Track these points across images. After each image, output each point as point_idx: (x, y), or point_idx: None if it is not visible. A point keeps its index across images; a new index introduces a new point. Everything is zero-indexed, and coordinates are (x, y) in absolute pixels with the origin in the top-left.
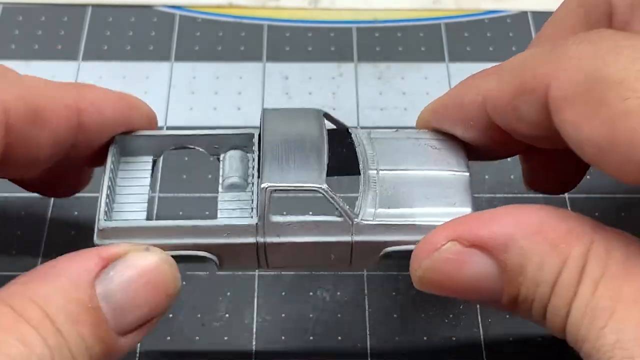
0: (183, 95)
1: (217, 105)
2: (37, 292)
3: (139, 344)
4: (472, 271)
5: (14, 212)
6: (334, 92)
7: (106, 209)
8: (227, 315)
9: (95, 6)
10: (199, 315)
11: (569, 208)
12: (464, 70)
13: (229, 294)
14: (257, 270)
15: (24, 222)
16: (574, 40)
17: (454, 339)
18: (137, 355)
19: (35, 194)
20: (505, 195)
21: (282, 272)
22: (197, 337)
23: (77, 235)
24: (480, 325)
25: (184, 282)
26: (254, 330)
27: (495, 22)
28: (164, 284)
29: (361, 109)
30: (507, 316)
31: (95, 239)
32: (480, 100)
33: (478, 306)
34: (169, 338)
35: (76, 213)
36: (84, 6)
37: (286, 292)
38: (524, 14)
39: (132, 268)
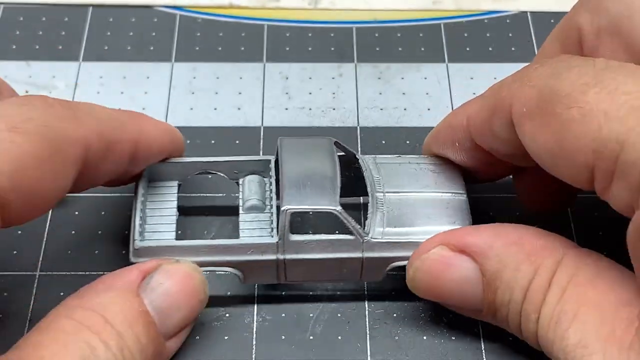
0: (183, 95)
1: (218, 106)
2: (93, 302)
3: None
4: (457, 274)
5: None
6: (334, 92)
7: (140, 229)
8: (227, 314)
9: (96, 7)
10: (199, 315)
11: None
12: (463, 70)
13: (229, 293)
14: None
15: None
16: (536, 65)
17: (454, 338)
18: None
19: None
20: (505, 195)
21: None
22: (198, 337)
23: (77, 234)
24: (480, 324)
25: None
26: (254, 329)
27: (495, 23)
28: (196, 289)
29: (361, 109)
30: None
31: (131, 257)
32: (465, 124)
33: None
34: None
35: (77, 213)
36: (84, 7)
37: (286, 292)
38: (523, 14)
39: (168, 276)
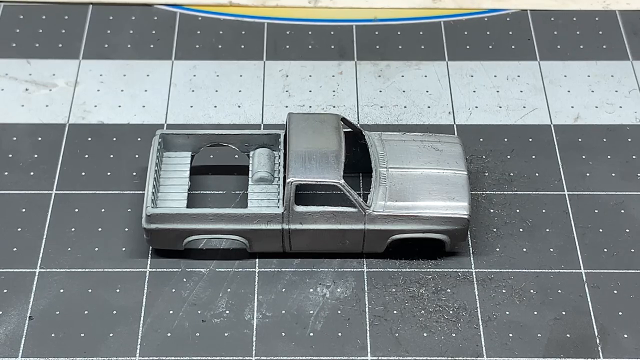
0: (183, 93)
1: (218, 103)
2: None
3: (139, 340)
4: None
5: (14, 208)
6: (334, 90)
7: (152, 197)
8: (227, 311)
9: (96, 5)
10: (199, 312)
11: (569, 205)
12: (463, 68)
13: (229, 290)
14: (257, 268)
15: (24, 218)
16: None
17: (454, 335)
18: (138, 351)
19: (35, 191)
20: (505, 192)
21: (282, 269)
22: (198, 334)
23: (77, 231)
24: (480, 321)
25: (184, 279)
26: (254, 326)
27: (495, 21)
28: None
29: (361, 107)
30: (507, 312)
31: (143, 223)
32: None
33: (478, 302)
34: (169, 334)
35: (76, 210)
36: (84, 5)
37: (286, 289)
38: (523, 12)
39: None
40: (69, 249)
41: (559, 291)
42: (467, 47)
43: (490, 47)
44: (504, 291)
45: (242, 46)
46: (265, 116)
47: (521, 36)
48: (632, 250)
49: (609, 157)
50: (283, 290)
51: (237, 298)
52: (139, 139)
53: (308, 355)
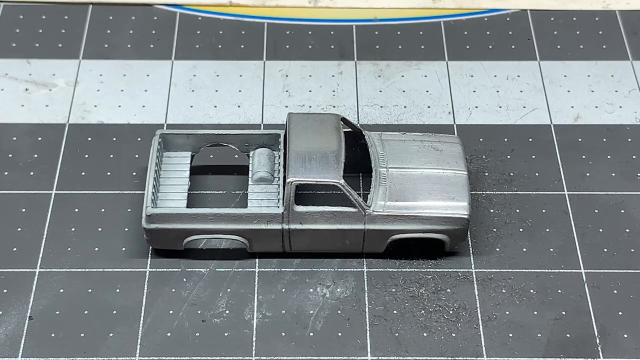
0: (183, 93)
1: (218, 103)
2: None
3: (139, 340)
4: None
5: (14, 208)
6: (334, 90)
7: (152, 197)
8: (227, 311)
9: (96, 5)
10: (199, 312)
11: (569, 205)
12: (463, 68)
13: (229, 290)
14: (257, 268)
15: (24, 218)
16: None
17: (454, 335)
18: (138, 351)
19: (35, 191)
20: (505, 192)
21: (282, 269)
22: (198, 334)
23: (77, 231)
24: (480, 321)
25: (184, 279)
26: (254, 326)
27: (495, 21)
28: None
29: (361, 107)
30: (507, 312)
31: (143, 223)
32: None
33: (478, 302)
34: (169, 334)
35: (76, 210)
36: (84, 5)
37: (286, 289)
38: (523, 12)
39: None
40: (69, 249)
41: (559, 291)
42: (467, 47)
43: (490, 47)
44: (504, 291)
45: (242, 46)
46: (265, 116)
47: (521, 36)
48: (632, 250)
49: (609, 157)
50: (283, 290)
51: (237, 298)
52: (139, 139)
53: (308, 355)
